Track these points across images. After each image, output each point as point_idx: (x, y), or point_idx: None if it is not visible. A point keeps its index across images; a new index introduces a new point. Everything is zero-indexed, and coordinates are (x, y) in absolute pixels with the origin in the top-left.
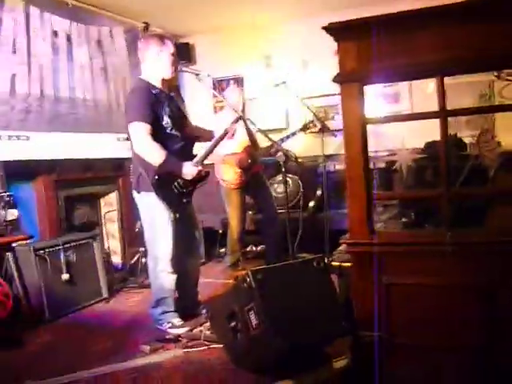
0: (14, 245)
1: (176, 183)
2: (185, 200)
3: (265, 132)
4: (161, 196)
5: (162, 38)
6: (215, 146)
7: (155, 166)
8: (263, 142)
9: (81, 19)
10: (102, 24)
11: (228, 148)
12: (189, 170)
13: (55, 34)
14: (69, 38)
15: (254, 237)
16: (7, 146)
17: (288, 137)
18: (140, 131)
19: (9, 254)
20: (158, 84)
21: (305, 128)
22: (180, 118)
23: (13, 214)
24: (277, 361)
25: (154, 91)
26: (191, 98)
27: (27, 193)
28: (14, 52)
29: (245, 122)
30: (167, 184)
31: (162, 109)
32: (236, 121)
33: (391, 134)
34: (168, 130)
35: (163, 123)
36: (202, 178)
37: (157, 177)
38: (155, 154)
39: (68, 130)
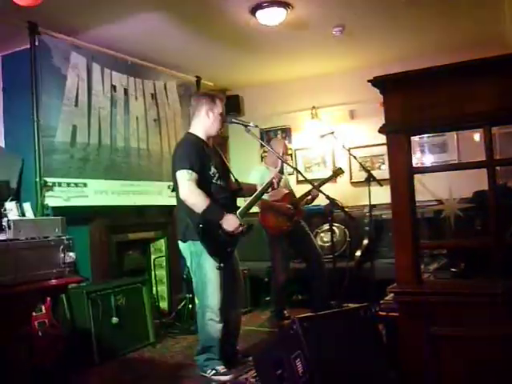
0: (69, 287)
1: (220, 232)
2: (228, 249)
3: (307, 179)
4: (205, 244)
5: (213, 97)
6: (259, 197)
7: (198, 212)
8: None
9: (138, 74)
10: (157, 78)
11: (270, 197)
12: (231, 221)
13: (114, 88)
14: (126, 92)
15: (299, 285)
16: (66, 193)
17: (321, 184)
18: (186, 177)
19: (63, 296)
20: (205, 139)
21: (335, 175)
22: (224, 170)
23: (71, 256)
24: None
25: (200, 143)
26: (239, 148)
27: (82, 237)
28: (76, 105)
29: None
30: (211, 232)
31: (209, 160)
32: (281, 172)
33: (438, 183)
34: (214, 180)
35: (210, 173)
36: (244, 230)
37: (201, 225)
38: (199, 200)
39: (122, 178)
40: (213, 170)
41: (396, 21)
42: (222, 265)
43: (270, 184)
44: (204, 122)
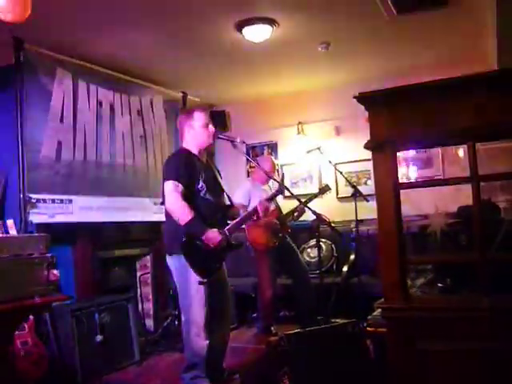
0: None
1: (203, 247)
2: (214, 265)
3: (295, 195)
4: (188, 259)
5: (190, 112)
6: (241, 223)
7: (181, 225)
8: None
9: (123, 90)
10: (142, 94)
11: None
12: (211, 236)
13: (100, 104)
14: (112, 108)
15: (286, 301)
16: (51, 209)
17: (309, 200)
18: (172, 188)
19: (47, 314)
20: (196, 152)
21: (321, 192)
22: (215, 185)
23: (55, 274)
24: None
25: (191, 156)
26: (225, 163)
27: (66, 254)
28: (62, 121)
29: (283, 190)
30: (195, 247)
31: (198, 173)
32: (272, 198)
33: (423, 198)
34: (202, 194)
35: (198, 187)
36: (231, 246)
37: (184, 239)
38: (182, 212)
39: (108, 195)
40: (201, 183)
41: (380, 38)
42: (205, 280)
43: (255, 212)
44: (189, 138)
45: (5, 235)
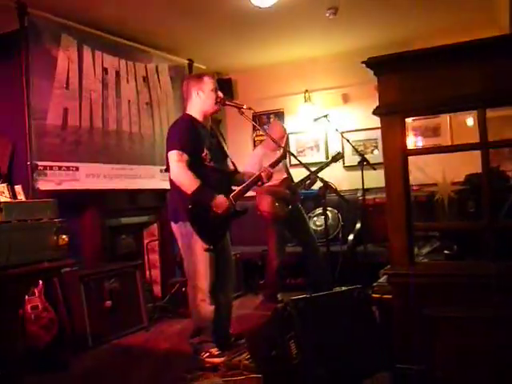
0: (62, 271)
1: (210, 214)
2: (219, 232)
3: (304, 164)
4: (195, 226)
5: (200, 76)
6: (246, 190)
7: (188, 193)
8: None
9: (129, 57)
10: (148, 61)
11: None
12: (219, 202)
13: (105, 70)
14: (117, 75)
15: (293, 269)
16: (58, 176)
17: (320, 169)
18: (176, 158)
19: (56, 280)
20: (201, 119)
21: (334, 160)
22: (220, 152)
23: (64, 239)
24: None
25: (195, 124)
26: (232, 131)
27: (75, 221)
28: (67, 88)
29: (286, 156)
30: (200, 214)
31: (202, 141)
32: (275, 164)
33: (431, 166)
34: (207, 162)
35: (202, 155)
36: (236, 213)
37: (190, 206)
38: (188, 181)
39: (115, 162)
40: (205, 151)
41: (390, 3)
42: (211, 247)
43: (258, 178)
44: (196, 103)
45: (13, 200)
